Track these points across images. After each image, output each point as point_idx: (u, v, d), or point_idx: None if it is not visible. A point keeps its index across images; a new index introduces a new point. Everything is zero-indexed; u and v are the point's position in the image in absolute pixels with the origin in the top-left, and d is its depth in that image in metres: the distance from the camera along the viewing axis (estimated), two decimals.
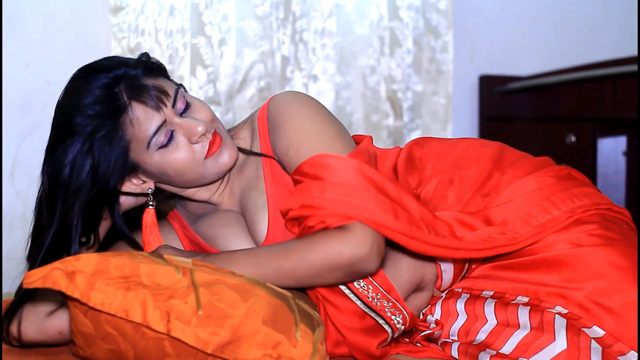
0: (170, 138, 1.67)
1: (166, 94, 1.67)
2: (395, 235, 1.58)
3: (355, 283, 1.62)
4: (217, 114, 2.84)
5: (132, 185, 1.75)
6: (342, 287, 1.62)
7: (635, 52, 3.11)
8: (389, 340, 1.65)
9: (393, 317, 1.64)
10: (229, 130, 1.84)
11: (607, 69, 2.94)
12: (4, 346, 1.68)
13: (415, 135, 3.19)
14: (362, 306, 1.62)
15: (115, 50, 2.70)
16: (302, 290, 1.68)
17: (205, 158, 1.70)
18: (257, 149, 1.77)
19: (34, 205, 1.73)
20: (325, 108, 1.76)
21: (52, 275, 1.41)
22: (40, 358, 1.63)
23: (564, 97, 3.21)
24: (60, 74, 2.68)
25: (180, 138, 1.68)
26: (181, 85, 1.78)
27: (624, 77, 2.88)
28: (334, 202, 1.57)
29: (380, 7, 3.12)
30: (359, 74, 3.12)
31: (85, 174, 1.64)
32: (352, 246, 1.55)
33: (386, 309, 1.63)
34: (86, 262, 1.43)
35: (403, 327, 1.65)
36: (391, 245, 1.70)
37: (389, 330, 1.63)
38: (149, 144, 1.66)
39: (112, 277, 1.43)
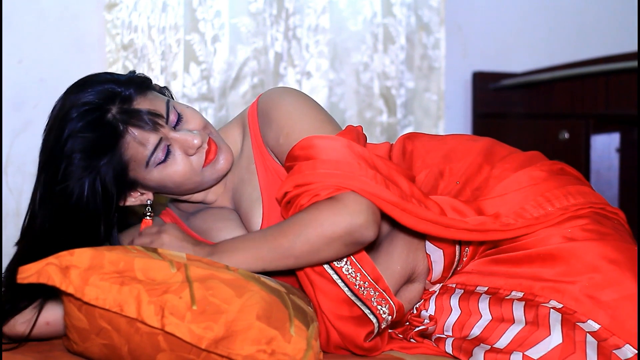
0: (168, 153, 1.68)
1: (159, 114, 1.67)
2: (387, 206, 1.59)
3: (343, 269, 1.62)
4: (211, 111, 2.84)
5: (132, 199, 1.76)
6: (330, 272, 1.62)
7: (628, 49, 3.12)
8: (375, 331, 1.66)
9: (379, 307, 1.64)
10: (219, 130, 1.85)
11: (600, 65, 2.94)
12: None
13: (408, 131, 3.19)
14: (348, 293, 1.62)
15: (109, 47, 2.69)
16: (292, 273, 1.69)
17: (203, 167, 1.71)
18: (248, 145, 1.78)
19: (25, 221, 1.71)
20: (313, 99, 1.78)
21: (46, 270, 1.41)
22: (34, 355, 1.62)
23: (557, 93, 3.21)
24: (53, 71, 2.68)
25: (177, 152, 1.69)
26: (166, 88, 1.79)
27: (617, 74, 2.89)
28: (326, 176, 1.58)
29: (374, 3, 3.12)
30: (352, 71, 3.11)
31: (98, 202, 1.64)
32: (347, 215, 1.56)
33: (372, 299, 1.63)
34: (80, 256, 1.43)
35: (390, 317, 1.65)
36: (382, 237, 1.71)
37: (374, 320, 1.64)
38: (147, 162, 1.67)
39: (107, 272, 1.43)
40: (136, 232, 1.83)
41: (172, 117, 1.69)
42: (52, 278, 1.40)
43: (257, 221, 1.74)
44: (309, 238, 1.56)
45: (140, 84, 1.69)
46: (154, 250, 1.52)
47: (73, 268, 1.41)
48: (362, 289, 1.63)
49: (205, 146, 1.71)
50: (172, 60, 2.79)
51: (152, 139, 1.65)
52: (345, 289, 1.63)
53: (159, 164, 1.67)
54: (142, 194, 1.76)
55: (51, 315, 1.65)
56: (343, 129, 1.74)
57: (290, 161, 1.66)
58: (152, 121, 1.65)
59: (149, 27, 2.74)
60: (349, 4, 3.09)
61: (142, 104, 1.66)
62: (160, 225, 1.68)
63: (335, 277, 1.63)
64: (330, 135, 1.65)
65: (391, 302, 1.65)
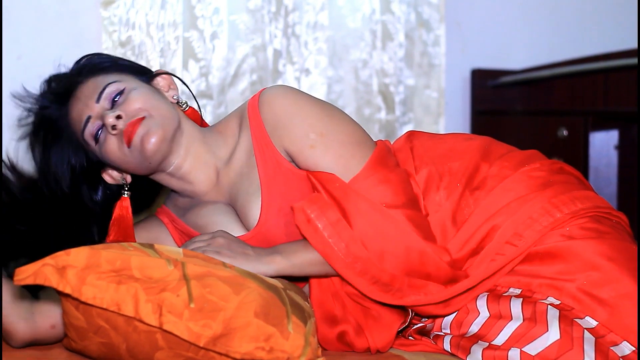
0: (99, 132, 1.74)
1: (92, 92, 1.75)
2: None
3: None
4: (209, 108, 2.83)
5: (113, 178, 1.83)
6: None
7: (627, 46, 3.11)
8: (407, 321, 1.70)
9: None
10: (217, 123, 1.86)
11: (599, 62, 2.94)
12: None
13: (407, 129, 3.19)
14: None
15: (106, 44, 2.69)
16: (300, 279, 1.70)
17: (127, 147, 1.72)
18: (247, 138, 1.76)
19: None
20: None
21: (43, 271, 1.40)
22: (33, 352, 1.62)
23: (556, 90, 3.21)
24: (52, 68, 2.68)
25: (108, 132, 1.73)
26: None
27: (616, 71, 2.88)
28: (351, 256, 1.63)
29: (372, 0, 3.12)
30: (351, 68, 3.11)
31: (66, 176, 1.78)
32: None
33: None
34: (77, 256, 1.42)
35: (413, 312, 1.69)
36: None
37: (409, 309, 1.68)
38: (84, 139, 1.75)
39: (103, 270, 1.42)
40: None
41: (109, 97, 1.75)
42: (49, 279, 1.40)
43: (254, 213, 1.73)
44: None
45: (82, 70, 1.82)
46: (151, 247, 1.52)
47: (70, 268, 1.41)
48: None
49: (123, 126, 1.72)
50: (170, 57, 2.79)
51: (82, 116, 1.75)
52: None
53: (97, 142, 1.74)
54: (120, 172, 1.82)
55: (54, 316, 1.64)
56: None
57: (320, 183, 1.68)
58: (85, 96, 1.75)
59: (147, 24, 2.74)
60: (347, 1, 3.09)
61: (85, 85, 1.77)
62: (211, 232, 1.71)
63: None
64: (372, 200, 1.66)
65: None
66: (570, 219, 1.66)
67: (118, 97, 1.74)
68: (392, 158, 1.73)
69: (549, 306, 1.57)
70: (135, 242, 1.73)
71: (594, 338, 1.53)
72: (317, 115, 1.72)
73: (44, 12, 2.66)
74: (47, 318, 1.65)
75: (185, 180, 1.80)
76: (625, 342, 1.54)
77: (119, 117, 1.70)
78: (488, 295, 1.65)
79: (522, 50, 3.51)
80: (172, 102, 1.82)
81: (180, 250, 1.55)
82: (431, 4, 3.23)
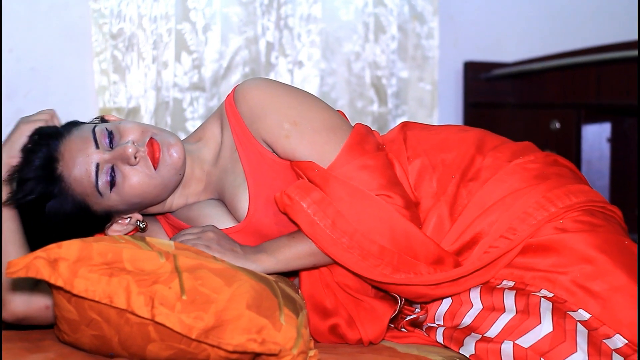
0: (115, 174, 1.66)
1: (84, 143, 1.65)
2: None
3: None
4: (202, 100, 2.83)
5: (122, 226, 1.76)
6: None
7: (619, 39, 3.12)
8: (396, 311, 1.70)
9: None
10: (198, 128, 1.86)
11: (591, 55, 2.95)
12: None
13: (400, 121, 3.19)
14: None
15: (96, 37, 2.69)
16: (293, 274, 1.70)
17: (155, 169, 1.67)
18: (228, 136, 1.76)
19: None
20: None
21: (35, 264, 1.40)
22: (24, 344, 1.62)
23: (549, 83, 3.22)
24: (44, 60, 2.68)
25: (123, 168, 1.66)
26: (99, 118, 1.79)
27: (608, 64, 2.89)
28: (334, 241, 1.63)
29: None
30: (343, 60, 3.12)
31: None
32: None
33: None
34: (68, 249, 1.42)
35: (402, 302, 1.70)
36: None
37: (399, 298, 1.69)
38: (99, 191, 1.65)
39: (95, 263, 1.42)
40: None
41: (102, 140, 1.67)
42: (41, 272, 1.40)
43: (243, 205, 1.73)
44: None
45: (52, 135, 1.68)
46: (142, 239, 1.51)
47: (61, 260, 1.41)
48: None
49: (145, 149, 1.67)
50: (163, 49, 2.78)
51: (89, 168, 1.64)
52: None
53: (113, 186, 1.66)
54: (129, 218, 1.76)
55: (49, 299, 1.64)
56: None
57: (300, 170, 1.68)
58: (80, 152, 1.65)
59: (139, 16, 2.74)
60: None
61: (68, 145, 1.65)
62: (202, 226, 1.70)
63: None
64: (350, 183, 1.66)
65: None
66: (564, 213, 1.66)
67: (110, 135, 1.67)
68: (371, 141, 1.73)
69: (542, 299, 1.58)
70: None
71: (586, 331, 1.53)
72: (289, 104, 1.71)
73: (35, 4, 2.65)
74: (42, 298, 1.65)
75: (185, 189, 1.80)
76: (617, 335, 1.55)
77: (134, 143, 1.66)
78: (481, 287, 1.65)
79: (515, 43, 3.52)
80: None
81: (172, 242, 1.55)
82: None
